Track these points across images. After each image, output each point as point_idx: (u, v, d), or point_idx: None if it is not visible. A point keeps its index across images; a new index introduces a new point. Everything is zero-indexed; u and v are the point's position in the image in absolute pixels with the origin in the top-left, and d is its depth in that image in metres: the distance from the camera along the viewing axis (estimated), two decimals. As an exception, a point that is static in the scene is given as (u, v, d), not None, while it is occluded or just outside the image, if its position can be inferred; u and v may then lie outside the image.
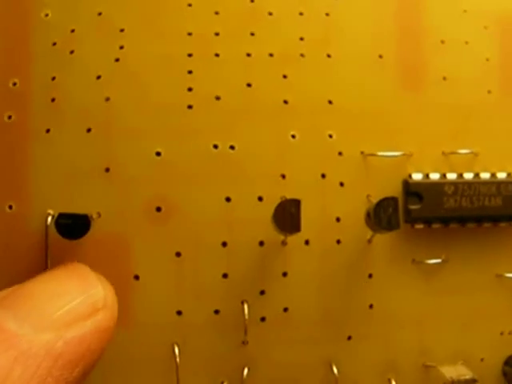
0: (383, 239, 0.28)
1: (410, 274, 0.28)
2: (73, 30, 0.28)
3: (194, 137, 0.27)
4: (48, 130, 0.27)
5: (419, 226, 0.28)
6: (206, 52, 0.28)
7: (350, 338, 0.28)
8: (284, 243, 0.27)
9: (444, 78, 0.29)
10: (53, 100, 0.27)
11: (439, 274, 0.28)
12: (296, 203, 0.25)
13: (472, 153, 0.29)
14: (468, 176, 0.28)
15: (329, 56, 0.28)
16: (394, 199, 0.25)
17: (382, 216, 0.25)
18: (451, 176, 0.28)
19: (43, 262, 0.26)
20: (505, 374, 0.29)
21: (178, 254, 0.27)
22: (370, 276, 0.28)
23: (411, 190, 0.28)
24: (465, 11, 0.30)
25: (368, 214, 0.26)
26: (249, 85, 0.28)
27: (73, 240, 0.25)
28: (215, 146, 0.27)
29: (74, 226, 0.25)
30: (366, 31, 0.29)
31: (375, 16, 0.29)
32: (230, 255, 0.27)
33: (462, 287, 0.29)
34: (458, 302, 0.29)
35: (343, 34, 0.29)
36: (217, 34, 0.28)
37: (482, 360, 0.29)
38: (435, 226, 0.28)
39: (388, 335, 0.28)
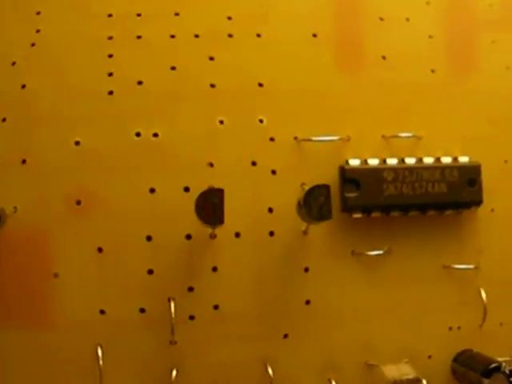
0: (320, 230, 0.26)
1: (349, 266, 0.27)
2: (-14, 14, 0.26)
3: (115, 124, 0.26)
4: (-40, 121, 0.25)
5: (357, 216, 0.26)
6: (128, 34, 0.26)
7: (286, 335, 0.26)
8: (212, 236, 0.26)
9: (383, 57, 0.27)
10: (-36, 88, 0.26)
11: (381, 266, 0.27)
12: (219, 193, 0.23)
13: (414, 136, 0.27)
14: (410, 161, 0.27)
15: (259, 36, 0.27)
16: (325, 187, 0.24)
17: (312, 205, 0.24)
18: (391, 161, 0.26)
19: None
20: (454, 371, 0.27)
21: (100, 250, 0.25)
22: (307, 270, 0.26)
23: (347, 177, 0.26)
24: (405, -15, 0.28)
25: (299, 204, 0.25)
26: (173, 68, 0.26)
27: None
28: (137, 134, 0.26)
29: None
30: (300, 9, 0.27)
31: (309, -8, 0.27)
32: (156, 250, 0.26)
33: (407, 280, 0.27)
34: (402, 295, 0.27)
35: (274, 12, 0.27)
36: (139, 15, 0.27)
37: (429, 357, 0.27)
38: (375, 214, 0.26)
39: (327, 332, 0.26)
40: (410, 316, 0.27)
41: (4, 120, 0.26)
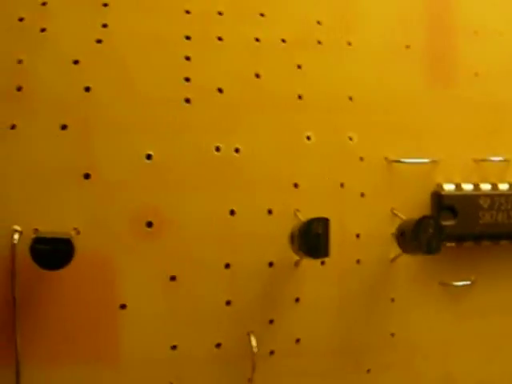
0: (408, 259, 0.25)
1: (435, 297, 0.26)
2: (44, 3, 0.23)
3: (192, 137, 0.24)
4: (13, 126, 0.23)
5: (451, 245, 0.25)
6: (207, 35, 0.24)
7: (369, 370, 0.25)
8: (297, 264, 0.24)
9: (476, 74, 0.26)
10: (19, 89, 0.23)
11: (467, 296, 0.26)
12: (324, 222, 0.22)
13: (505, 160, 0.26)
14: (503, 187, 0.25)
15: (349, 44, 0.25)
16: (433, 218, 0.22)
17: (421, 238, 0.22)
18: (485, 187, 0.25)
19: (8, 290, 0.22)
20: (534, 406, 0.26)
21: (173, 278, 0.23)
22: (393, 300, 0.25)
23: (445, 204, 0.24)
24: (500, -2, 0.27)
25: (402, 233, 0.23)
26: (257, 75, 0.24)
27: (54, 270, 0.21)
28: (217, 149, 0.24)
29: (54, 252, 0.21)
30: (392, 17, 0.26)
31: (403, 0, 0.26)
32: (235, 278, 0.24)
33: (491, 311, 0.26)
34: (486, 327, 0.26)
35: (366, 19, 0.26)
36: (220, 14, 0.24)
37: (509, 390, 0.26)
38: (467, 244, 0.25)
39: (410, 366, 0.25)
40: (492, 348, 0.26)
41: (64, 127, 0.23)
